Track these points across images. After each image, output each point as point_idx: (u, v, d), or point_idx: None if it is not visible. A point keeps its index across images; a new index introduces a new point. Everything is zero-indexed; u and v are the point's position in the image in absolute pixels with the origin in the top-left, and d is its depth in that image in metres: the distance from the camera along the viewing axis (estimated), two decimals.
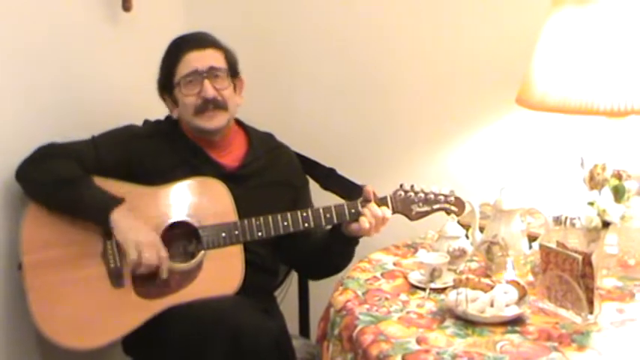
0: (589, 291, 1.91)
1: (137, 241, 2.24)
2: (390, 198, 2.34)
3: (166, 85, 2.45)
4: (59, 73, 2.58)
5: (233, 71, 2.47)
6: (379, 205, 2.31)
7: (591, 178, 2.26)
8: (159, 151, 2.43)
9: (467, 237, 2.32)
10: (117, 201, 2.28)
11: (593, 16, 2.26)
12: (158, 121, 2.53)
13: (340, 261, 2.47)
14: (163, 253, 2.27)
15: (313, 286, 2.73)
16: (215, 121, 2.41)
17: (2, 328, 2.40)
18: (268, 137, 2.60)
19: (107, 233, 2.30)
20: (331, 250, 2.44)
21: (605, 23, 2.25)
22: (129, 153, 2.41)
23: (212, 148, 2.47)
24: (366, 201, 2.31)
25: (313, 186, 2.66)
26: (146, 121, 2.53)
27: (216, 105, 2.40)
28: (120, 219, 2.26)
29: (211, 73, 2.40)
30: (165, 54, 2.47)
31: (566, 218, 2.17)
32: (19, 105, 2.42)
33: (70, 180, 2.31)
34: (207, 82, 2.38)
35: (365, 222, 2.29)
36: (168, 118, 2.52)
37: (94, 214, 2.28)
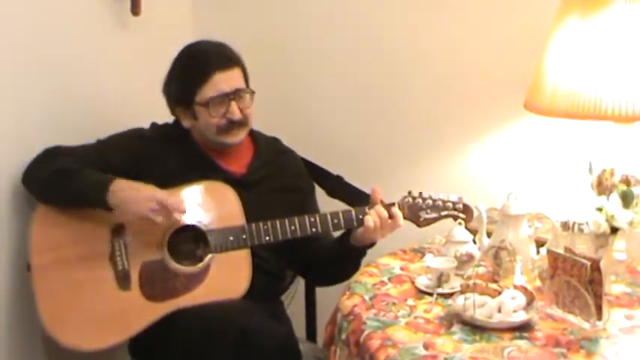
0: (597, 297, 1.90)
1: (143, 214, 2.22)
2: (398, 204, 2.33)
3: (183, 99, 2.42)
4: (68, 76, 2.58)
5: (247, 85, 2.46)
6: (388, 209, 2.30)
7: (599, 183, 2.26)
8: (166, 154, 2.43)
9: (474, 242, 2.32)
10: (109, 179, 2.26)
11: (601, 24, 2.26)
12: (166, 125, 2.52)
13: (346, 271, 2.46)
14: (171, 200, 2.24)
15: (320, 290, 2.73)
16: (237, 137, 2.42)
17: (9, 328, 2.40)
18: (275, 142, 2.60)
19: (115, 232, 2.31)
20: (338, 260, 2.43)
21: (612, 32, 2.25)
22: (135, 155, 2.41)
23: (219, 154, 2.46)
24: (374, 206, 2.31)
25: (320, 193, 2.66)
26: (153, 125, 2.53)
27: (241, 125, 2.40)
28: (116, 197, 2.24)
29: (237, 94, 2.39)
30: (184, 65, 2.43)
31: (574, 224, 2.17)
32: (28, 109, 2.43)
33: (66, 171, 2.30)
34: (234, 105, 2.38)
35: (369, 220, 2.27)
36: (176, 122, 2.52)
37: (92, 199, 2.27)
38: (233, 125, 2.39)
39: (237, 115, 2.38)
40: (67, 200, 2.31)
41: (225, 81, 2.38)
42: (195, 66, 2.41)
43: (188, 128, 2.46)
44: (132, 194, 2.26)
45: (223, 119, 2.39)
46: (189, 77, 2.41)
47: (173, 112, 2.48)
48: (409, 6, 2.85)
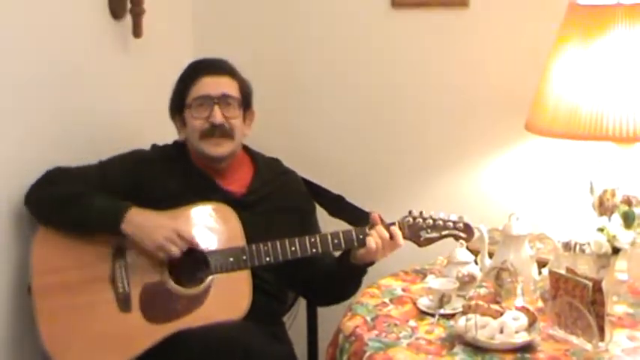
0: (599, 318, 1.90)
1: (158, 244, 2.24)
2: (399, 224, 2.33)
3: (177, 105, 2.47)
4: (71, 98, 2.59)
5: (245, 102, 2.48)
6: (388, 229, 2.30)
7: (601, 203, 2.26)
8: (166, 175, 2.44)
9: (476, 263, 2.32)
10: (123, 208, 2.28)
11: (602, 47, 2.27)
12: (166, 146, 2.53)
13: (347, 289, 2.45)
14: (186, 234, 2.27)
15: (322, 311, 2.72)
16: (220, 148, 2.41)
17: (11, 351, 2.39)
18: (275, 163, 2.60)
19: (116, 254, 2.30)
20: (338, 279, 2.43)
21: (613, 55, 2.26)
22: (136, 177, 2.42)
23: (219, 174, 2.47)
24: (374, 226, 2.31)
25: (321, 213, 2.65)
26: (154, 146, 2.54)
27: (223, 132, 2.40)
28: (131, 229, 2.26)
29: (223, 100, 2.41)
30: (181, 74, 2.49)
31: (575, 244, 2.17)
32: (29, 130, 2.43)
33: (76, 195, 2.31)
34: (217, 108, 2.39)
35: (371, 242, 2.27)
36: (175, 143, 2.53)
37: (104, 228, 2.29)
38: (214, 130, 2.39)
39: (218, 118, 2.39)
40: (74, 224, 2.31)
41: (211, 84, 2.41)
42: (188, 72, 2.48)
43: (183, 141, 2.48)
44: (148, 222, 2.27)
45: (206, 123, 2.40)
46: (182, 82, 2.47)
47: (175, 125, 2.51)
48: (411, 29, 2.87)
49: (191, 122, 2.42)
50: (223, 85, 2.43)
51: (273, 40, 3.10)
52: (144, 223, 2.27)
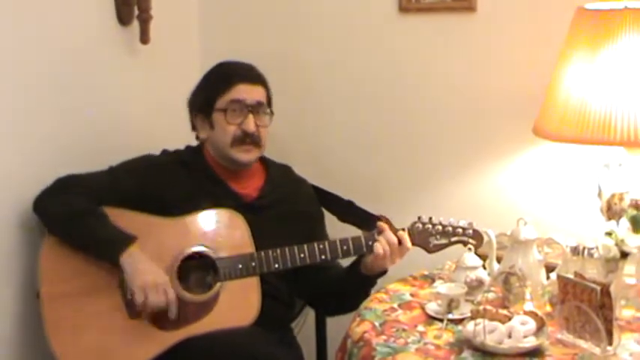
0: (608, 322, 1.89)
1: (144, 285, 2.23)
2: (408, 230, 2.33)
3: (204, 106, 2.46)
4: (79, 104, 2.60)
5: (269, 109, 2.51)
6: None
7: (609, 208, 2.25)
8: (177, 180, 2.44)
9: (484, 267, 2.31)
10: (127, 241, 2.27)
11: (609, 52, 2.27)
12: (177, 151, 2.54)
13: (355, 300, 2.44)
14: (171, 294, 2.26)
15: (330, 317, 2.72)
16: (249, 155, 2.44)
17: (21, 356, 2.40)
18: (286, 169, 2.61)
19: None
20: (347, 289, 2.43)
21: (620, 60, 2.25)
22: (146, 182, 2.42)
23: (231, 178, 2.48)
24: (381, 232, 2.31)
25: (331, 218, 2.66)
26: (164, 151, 2.54)
27: (253, 140, 2.42)
28: (128, 262, 2.25)
29: (256, 108, 2.43)
30: (211, 75, 2.50)
31: (583, 248, 2.16)
32: (39, 136, 2.45)
33: (82, 215, 2.31)
34: (251, 117, 2.41)
35: (379, 247, 2.28)
36: (187, 147, 2.54)
37: (103, 255, 2.28)
38: (246, 138, 2.41)
39: (251, 126, 2.40)
40: (76, 244, 2.32)
41: (247, 92, 2.43)
42: (221, 75, 2.48)
43: (196, 146, 2.49)
44: (147, 262, 2.26)
45: (239, 130, 2.41)
46: (213, 85, 2.46)
47: (193, 124, 2.51)
48: (419, 34, 2.87)
49: (223, 127, 2.42)
50: (257, 94, 2.45)
51: (280, 45, 3.11)
52: (144, 261, 2.26)
